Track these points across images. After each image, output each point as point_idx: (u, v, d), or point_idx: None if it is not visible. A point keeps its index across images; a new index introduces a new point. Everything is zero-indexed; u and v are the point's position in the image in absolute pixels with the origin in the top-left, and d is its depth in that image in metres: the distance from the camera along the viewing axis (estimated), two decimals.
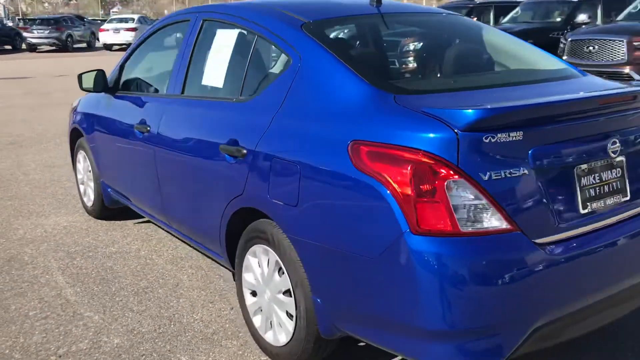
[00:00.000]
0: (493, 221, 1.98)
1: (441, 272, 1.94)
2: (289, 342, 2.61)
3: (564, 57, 10.28)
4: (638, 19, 10.79)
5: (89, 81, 4.11)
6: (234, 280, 3.44)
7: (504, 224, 1.99)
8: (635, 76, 9.31)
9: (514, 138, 2.02)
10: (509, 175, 2.02)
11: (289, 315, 2.62)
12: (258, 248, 2.73)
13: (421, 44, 2.92)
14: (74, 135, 4.92)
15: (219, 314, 3.24)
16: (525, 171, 2.05)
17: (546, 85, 2.59)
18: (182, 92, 3.35)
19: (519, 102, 2.15)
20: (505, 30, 9.12)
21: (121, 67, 4.17)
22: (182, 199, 3.28)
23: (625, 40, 9.44)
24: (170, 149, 3.29)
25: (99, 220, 4.79)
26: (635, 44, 9.38)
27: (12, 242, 4.35)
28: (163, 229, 4.28)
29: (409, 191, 1.97)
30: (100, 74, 4.10)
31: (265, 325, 2.78)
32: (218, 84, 3.08)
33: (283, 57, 2.69)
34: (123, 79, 4.18)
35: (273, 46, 2.79)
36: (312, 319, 2.46)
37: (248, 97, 2.81)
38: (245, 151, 2.65)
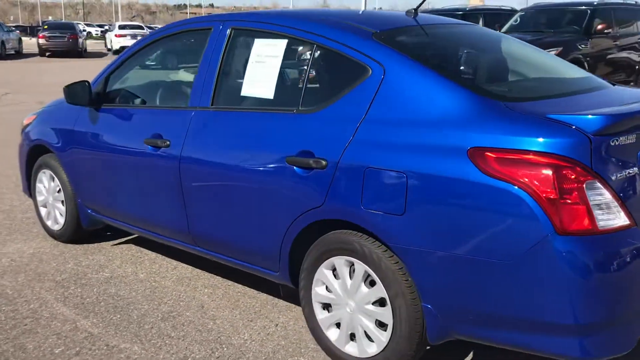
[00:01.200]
0: (620, 218, 2.14)
1: (587, 269, 2.06)
2: (381, 351, 2.60)
3: None
4: (518, 31, 11.83)
5: (77, 94, 3.78)
6: (281, 295, 3.35)
7: (627, 220, 2.15)
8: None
9: (629, 141, 2.20)
10: (627, 175, 2.20)
11: (380, 326, 2.61)
12: (338, 260, 2.68)
13: (477, 54, 3.04)
14: (34, 153, 4.47)
15: (267, 332, 3.14)
16: (637, 170, 2.23)
17: (602, 93, 2.82)
18: (212, 104, 3.20)
19: (628, 108, 2.33)
20: None
21: (107, 79, 3.88)
22: (223, 217, 3.12)
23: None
24: (206, 164, 3.12)
25: (69, 245, 4.40)
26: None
27: None
28: (156, 250, 4.04)
29: (552, 194, 2.07)
30: (87, 85, 3.78)
31: (344, 338, 2.74)
32: (266, 95, 2.98)
33: (357, 67, 2.68)
34: (111, 90, 3.89)
35: (340, 56, 2.76)
36: (417, 326, 2.47)
37: (315, 108, 2.76)
38: (325, 162, 2.61)
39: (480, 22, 14.01)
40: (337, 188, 2.58)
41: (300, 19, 2.98)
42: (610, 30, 11.44)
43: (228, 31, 3.23)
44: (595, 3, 11.64)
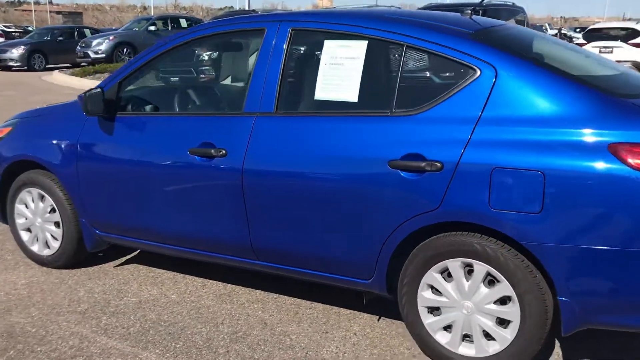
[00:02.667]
0: None
1: None
2: (505, 349, 2.63)
3: None
4: None
5: (95, 102, 3.38)
6: (364, 303, 3.25)
7: None
8: None
9: None
10: None
11: (501, 324, 2.64)
12: (453, 263, 2.67)
13: (564, 53, 3.08)
14: (10, 172, 3.94)
15: (351, 342, 3.04)
16: None
17: None
18: (276, 110, 3.02)
19: None
20: None
21: (120, 85, 3.51)
22: (300, 228, 2.96)
23: None
24: (278, 174, 2.95)
25: (64, 271, 3.95)
26: None
27: None
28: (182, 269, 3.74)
29: None
30: (102, 93, 3.40)
31: (457, 340, 2.74)
32: (349, 98, 2.87)
33: (461, 68, 2.67)
34: (128, 97, 3.54)
35: (438, 57, 2.73)
36: (546, 320, 2.54)
37: (415, 110, 2.71)
38: (440, 164, 2.58)
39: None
40: (456, 190, 2.57)
41: (382, 20, 2.90)
42: None
43: (287, 32, 3.07)
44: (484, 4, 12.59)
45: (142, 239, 3.57)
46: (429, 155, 2.62)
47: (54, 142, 3.69)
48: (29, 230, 4.03)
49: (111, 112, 3.47)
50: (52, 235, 3.91)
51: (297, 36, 3.08)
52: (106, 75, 16.34)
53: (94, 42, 18.81)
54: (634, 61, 14.72)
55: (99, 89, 3.41)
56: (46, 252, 3.95)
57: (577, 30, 31.44)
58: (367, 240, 2.82)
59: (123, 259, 4.13)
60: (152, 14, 40.22)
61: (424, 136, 2.65)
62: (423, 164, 2.61)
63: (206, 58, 3.62)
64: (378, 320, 3.25)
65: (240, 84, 3.35)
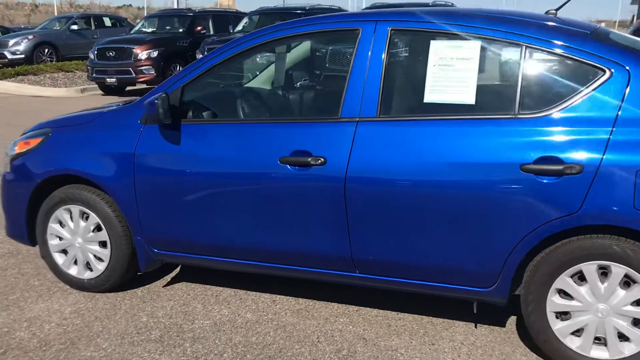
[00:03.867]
0: None
1: None
2: None
3: None
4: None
5: (162, 109, 3.07)
6: (474, 312, 3.15)
7: None
8: None
9: None
10: None
11: (636, 324, 2.64)
12: (588, 266, 2.64)
13: None
14: (43, 188, 3.54)
15: (471, 354, 2.95)
16: None
17: None
18: (379, 114, 2.87)
19: None
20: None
21: (183, 90, 3.22)
22: (411, 238, 2.83)
23: None
24: (388, 181, 2.80)
25: (109, 294, 3.60)
26: None
27: (38, 350, 2.99)
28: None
29: None
30: (167, 98, 3.11)
31: (589, 344, 2.72)
32: (465, 100, 2.77)
33: (587, 68, 2.63)
34: (195, 103, 3.26)
35: (562, 57, 2.68)
36: None
37: (541, 112, 2.65)
38: (579, 167, 2.54)
39: (210, 24, 14.37)
40: (598, 193, 2.53)
41: (497, 21, 2.81)
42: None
43: (387, 32, 2.92)
44: (307, 8, 13.42)
45: (211, 256, 3.31)
46: (566, 158, 2.56)
47: (103, 153, 3.34)
48: (64, 252, 3.64)
49: (175, 119, 3.17)
50: (95, 257, 3.54)
51: (396, 36, 2.94)
52: (30, 77, 15.27)
53: (11, 42, 17.49)
54: None
55: (164, 94, 3.11)
56: (88, 275, 3.58)
57: None
58: (492, 248, 2.73)
59: (168, 278, 3.82)
60: (43, 11, 37.97)
61: (557, 138, 2.60)
62: (561, 167, 2.55)
63: (284, 60, 3.38)
64: (475, 327, 3.17)
65: (329, 88, 3.16)
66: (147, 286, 3.70)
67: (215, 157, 3.10)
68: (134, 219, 3.36)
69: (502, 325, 3.18)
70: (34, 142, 3.57)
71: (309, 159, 2.91)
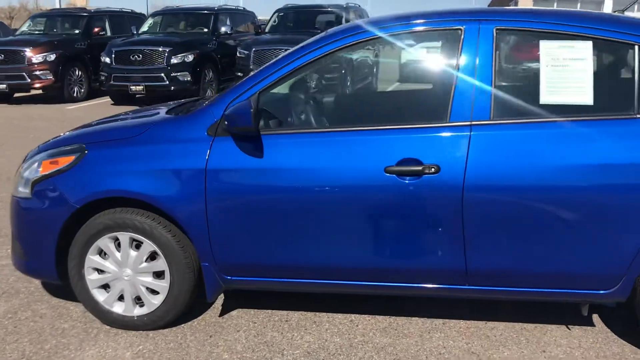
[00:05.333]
0: None
1: None
2: None
3: (251, 67, 10.92)
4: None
5: (245, 118, 2.73)
6: (585, 315, 3.09)
7: None
8: None
9: None
10: None
11: None
12: None
13: None
14: (79, 214, 3.04)
15: (586, 359, 2.92)
16: None
17: None
18: (492, 118, 2.76)
19: None
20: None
21: (259, 95, 2.89)
22: (538, 245, 2.73)
23: None
24: (511, 188, 2.70)
25: (162, 332, 3.16)
26: None
27: None
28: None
29: None
30: (249, 106, 2.77)
31: None
32: (583, 101, 2.72)
33: None
34: (276, 111, 2.95)
35: None
36: None
37: None
38: None
39: (107, 25, 13.79)
40: None
41: (609, 21, 2.79)
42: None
43: (492, 32, 2.81)
44: (215, 8, 13.22)
45: (295, 278, 3.01)
46: None
47: (163, 170, 2.91)
48: (104, 287, 3.14)
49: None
50: (148, 289, 3.09)
51: (502, 36, 2.84)
52: None
53: None
54: None
55: (250, 102, 2.77)
56: (139, 312, 3.11)
57: None
58: (618, 250, 2.71)
59: (217, 306, 3.43)
60: None
61: None
62: None
63: (372, 62, 3.13)
64: (569, 329, 3.15)
65: (431, 90, 2.98)
66: (198, 318, 3.29)
67: (306, 170, 2.82)
68: (203, 243, 2.96)
69: (592, 324, 3.18)
70: (65, 161, 3.04)
71: (421, 168, 2.72)
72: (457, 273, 2.85)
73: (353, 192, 2.79)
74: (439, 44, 2.95)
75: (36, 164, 3.11)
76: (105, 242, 3.05)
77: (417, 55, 3.09)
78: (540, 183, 2.67)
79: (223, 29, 12.72)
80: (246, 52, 11.08)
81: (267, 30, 12.61)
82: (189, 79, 11.38)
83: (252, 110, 2.69)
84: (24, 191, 3.11)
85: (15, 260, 3.29)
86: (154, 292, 3.10)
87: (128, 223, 2.98)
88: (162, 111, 3.49)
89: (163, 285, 3.06)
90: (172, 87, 11.36)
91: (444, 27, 2.88)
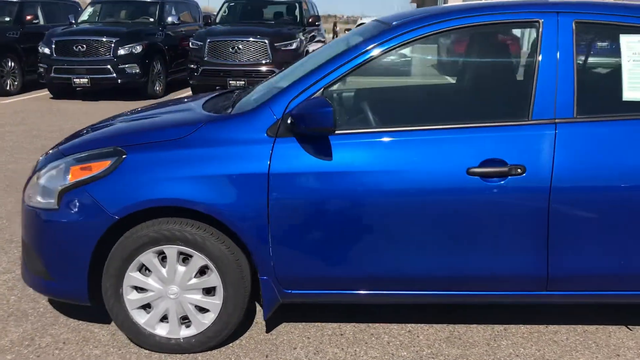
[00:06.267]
0: None
1: None
2: None
3: (205, 58, 10.49)
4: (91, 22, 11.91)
5: (325, 119, 2.47)
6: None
7: None
8: None
9: None
10: None
11: None
12: None
13: None
14: (117, 227, 2.69)
15: None
16: None
17: None
18: (576, 115, 2.64)
19: None
20: None
21: (324, 91, 2.65)
22: (628, 248, 2.64)
23: (267, 41, 10.39)
24: (599, 188, 2.59)
25: (211, 353, 2.86)
26: (276, 45, 10.46)
27: None
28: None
29: None
30: (327, 102, 2.52)
31: None
32: None
33: None
34: (343, 108, 2.70)
35: None
36: None
37: None
38: None
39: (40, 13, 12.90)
40: None
41: None
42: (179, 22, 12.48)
43: (572, 25, 2.68)
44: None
45: (361, 289, 2.78)
46: None
47: (218, 176, 2.61)
48: (144, 307, 2.80)
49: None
50: (197, 308, 2.78)
51: (581, 29, 2.71)
52: None
53: None
54: None
55: (320, 98, 2.51)
56: (186, 333, 2.80)
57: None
58: None
59: (259, 323, 3.15)
60: None
61: None
62: None
63: (449, 55, 2.92)
64: (629, 329, 3.09)
65: (508, 86, 2.81)
66: (245, 336, 3.00)
67: (381, 172, 2.59)
68: (263, 255, 2.68)
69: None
70: (99, 167, 2.67)
71: (507, 169, 2.56)
72: (538, 278, 2.71)
73: (433, 195, 2.59)
74: (511, 37, 2.78)
75: (62, 171, 2.71)
76: (149, 257, 2.70)
77: (490, 48, 2.92)
78: (627, 182, 2.57)
79: (169, 19, 12.14)
80: (200, 43, 10.60)
81: (217, 21, 12.15)
82: (137, 71, 10.78)
83: (332, 108, 2.43)
84: (47, 202, 2.71)
85: (32, 280, 2.88)
86: (203, 310, 2.79)
87: (177, 235, 2.66)
88: (196, 107, 3.16)
89: (215, 302, 2.76)
90: (120, 80, 10.72)
91: (522, 19, 2.73)
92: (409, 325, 3.11)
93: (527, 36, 2.74)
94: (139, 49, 10.87)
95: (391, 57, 2.73)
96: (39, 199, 2.75)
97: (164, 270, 2.72)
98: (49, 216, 2.71)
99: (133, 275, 2.73)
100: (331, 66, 2.68)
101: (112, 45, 10.66)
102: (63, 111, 9.80)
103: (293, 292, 2.78)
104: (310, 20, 11.93)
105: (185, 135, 2.70)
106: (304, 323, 3.12)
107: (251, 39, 10.36)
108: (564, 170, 2.57)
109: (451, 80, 3.06)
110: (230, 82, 10.34)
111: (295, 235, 2.65)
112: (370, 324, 3.11)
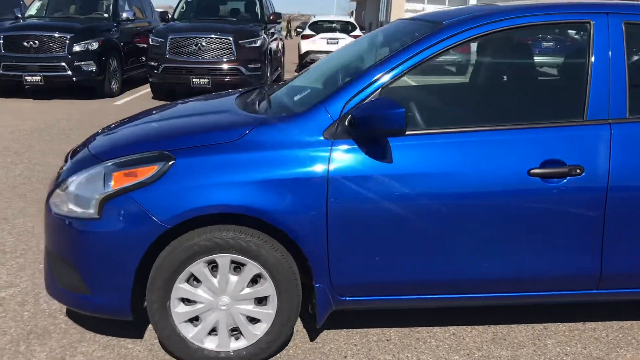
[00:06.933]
0: None
1: None
2: None
3: (167, 55, 10.20)
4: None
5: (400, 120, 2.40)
6: None
7: None
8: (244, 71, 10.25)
9: None
10: None
11: None
12: None
13: None
14: (167, 236, 2.54)
15: None
16: None
17: None
18: (629, 114, 2.67)
19: None
20: None
21: (381, 92, 2.58)
22: None
23: (232, 39, 10.18)
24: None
25: None
26: (240, 42, 10.26)
27: None
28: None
29: None
30: (397, 104, 2.44)
31: None
32: None
33: None
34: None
35: None
36: None
37: None
38: None
39: None
40: None
41: None
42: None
43: (621, 26, 2.71)
44: None
45: (416, 294, 2.73)
46: None
47: (275, 180, 2.49)
48: (191, 320, 2.65)
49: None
50: (248, 319, 2.65)
51: (630, 30, 2.74)
52: None
53: None
54: None
55: (386, 99, 2.44)
56: (236, 346, 2.67)
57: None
58: None
59: (299, 330, 3.04)
60: None
61: None
62: None
63: (498, 55, 2.87)
64: None
65: (559, 86, 2.81)
66: (290, 345, 2.90)
67: (443, 175, 2.55)
68: (320, 261, 2.59)
69: None
70: (145, 172, 2.50)
71: (567, 169, 2.57)
72: (591, 277, 2.73)
73: (495, 197, 2.57)
74: (565, 36, 2.79)
75: (102, 177, 2.52)
76: (199, 267, 2.55)
77: (542, 48, 2.92)
78: None
79: (125, 15, 11.69)
80: (161, 39, 10.27)
81: (175, 17, 11.80)
82: (94, 68, 10.33)
83: (404, 110, 2.36)
84: (86, 211, 2.52)
85: (63, 295, 2.68)
86: (254, 320, 2.66)
87: (231, 243, 2.52)
88: (231, 107, 3.03)
89: (268, 312, 2.64)
90: (75, 78, 10.23)
91: (573, 19, 2.73)
92: (451, 327, 3.08)
93: (578, 37, 2.74)
94: (95, 45, 10.42)
95: (445, 57, 2.69)
96: (73, 207, 2.56)
97: (215, 281, 2.58)
98: (88, 226, 2.52)
99: (182, 287, 2.57)
100: (387, 66, 2.61)
101: (67, 41, 10.17)
102: (16, 110, 9.28)
103: (346, 299, 2.69)
104: (271, 17, 11.77)
105: (237, 138, 2.57)
106: (346, 330, 3.04)
107: (215, 36, 10.12)
108: (620, 170, 2.59)
109: (504, 80, 3.04)
110: (194, 80, 10.08)
111: (354, 240, 2.56)
112: (412, 328, 3.06)
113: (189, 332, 2.64)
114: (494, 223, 2.59)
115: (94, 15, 11.71)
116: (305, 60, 16.41)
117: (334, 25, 16.96)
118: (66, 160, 2.98)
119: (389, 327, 3.07)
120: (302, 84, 3.40)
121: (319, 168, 2.50)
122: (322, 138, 2.54)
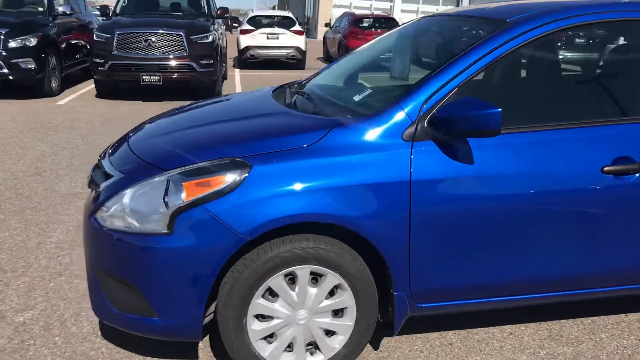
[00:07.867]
0: None
1: None
2: None
3: (114, 52, 9.72)
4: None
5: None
6: None
7: None
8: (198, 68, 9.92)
9: None
10: None
11: None
12: None
13: None
14: (246, 246, 2.37)
15: None
16: None
17: None
18: None
19: None
20: None
21: (458, 90, 2.51)
22: None
23: (183, 34, 9.81)
24: None
25: None
26: (192, 37, 9.91)
27: None
28: None
29: None
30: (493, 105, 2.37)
31: None
32: None
33: None
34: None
35: None
36: None
37: None
38: None
39: None
40: None
41: None
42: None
43: None
44: None
45: (495, 297, 2.69)
46: None
47: (358, 186, 2.37)
48: (266, 338, 2.49)
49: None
50: (325, 332, 2.52)
51: None
52: None
53: None
54: (297, 47, 16.33)
55: (474, 98, 2.37)
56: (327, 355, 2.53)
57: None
58: None
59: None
60: None
61: None
62: None
63: (563, 52, 2.82)
64: None
65: (624, 83, 2.81)
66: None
67: (524, 174, 2.51)
68: (401, 268, 2.49)
69: None
70: (219, 181, 2.31)
71: (637, 166, 2.60)
72: None
73: (574, 196, 2.55)
74: (627, 34, 2.80)
75: (165, 188, 2.31)
76: (279, 280, 2.39)
77: (611, 46, 2.93)
78: None
79: (61, 9, 11.01)
80: (107, 35, 9.74)
81: (117, 12, 11.24)
82: (33, 66, 9.67)
83: (500, 109, 2.29)
84: (151, 225, 2.30)
85: (119, 319, 2.45)
86: (331, 333, 2.53)
87: (312, 253, 2.38)
88: (281, 109, 2.88)
89: (346, 324, 2.52)
90: (12, 77, 9.54)
91: (619, 18, 2.74)
92: (506, 327, 3.06)
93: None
94: (33, 41, 9.75)
95: (514, 55, 2.64)
96: (133, 221, 2.33)
97: (293, 294, 2.43)
98: (155, 242, 2.30)
99: (260, 303, 2.41)
100: (461, 65, 2.53)
101: (2, 37, 9.46)
102: None
103: (424, 305, 2.61)
104: (218, 12, 11.44)
105: (313, 143, 2.42)
106: (404, 335, 2.95)
107: (166, 31, 9.72)
108: None
109: (574, 78, 3.03)
110: (144, 77, 9.64)
111: (436, 246, 2.48)
112: (469, 330, 3.02)
113: (265, 351, 2.47)
114: (574, 221, 2.58)
115: (27, 9, 10.97)
116: (245, 56, 16.09)
117: (273, 20, 16.72)
118: (97, 167, 2.73)
119: (446, 330, 3.01)
120: (337, 83, 3.28)
121: (401, 172, 2.40)
122: (402, 140, 2.44)
